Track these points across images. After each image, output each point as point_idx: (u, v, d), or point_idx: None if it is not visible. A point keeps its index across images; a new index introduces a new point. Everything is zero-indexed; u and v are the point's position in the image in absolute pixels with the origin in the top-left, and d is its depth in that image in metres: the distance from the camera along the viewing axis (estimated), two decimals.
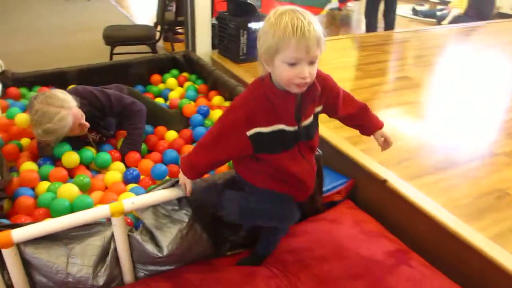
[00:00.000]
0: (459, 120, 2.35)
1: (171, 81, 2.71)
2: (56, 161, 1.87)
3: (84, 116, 1.83)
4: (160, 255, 1.39)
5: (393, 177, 1.72)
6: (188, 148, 2.03)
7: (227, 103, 2.41)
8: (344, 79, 2.83)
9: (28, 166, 1.80)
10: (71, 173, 1.83)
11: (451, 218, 1.52)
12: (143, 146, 2.06)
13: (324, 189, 1.71)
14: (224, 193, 1.38)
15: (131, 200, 1.34)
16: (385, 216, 1.70)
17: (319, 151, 1.51)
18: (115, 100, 1.98)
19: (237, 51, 3.05)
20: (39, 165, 1.84)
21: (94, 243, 1.35)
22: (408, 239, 1.57)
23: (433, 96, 2.77)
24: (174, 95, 2.56)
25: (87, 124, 1.85)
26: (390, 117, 2.35)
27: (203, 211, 1.43)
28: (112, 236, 1.36)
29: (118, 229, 1.33)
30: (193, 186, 1.38)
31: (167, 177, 1.81)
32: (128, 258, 1.39)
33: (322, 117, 1.29)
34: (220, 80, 2.50)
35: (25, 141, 2.01)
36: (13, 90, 2.39)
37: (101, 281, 1.35)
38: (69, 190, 1.63)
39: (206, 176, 1.47)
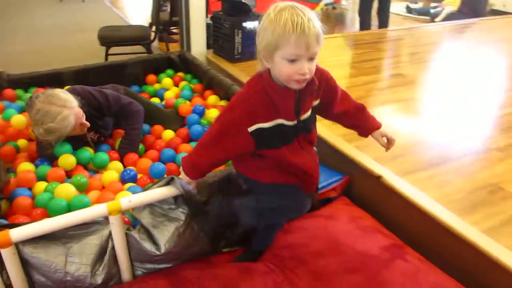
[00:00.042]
0: (453, 117, 2.37)
1: (166, 81, 2.72)
2: (53, 161, 1.88)
3: (84, 116, 1.84)
4: (157, 253, 1.40)
5: (388, 173, 1.74)
6: (185, 147, 2.05)
7: (222, 102, 2.42)
8: (339, 77, 2.79)
9: (25, 167, 1.81)
10: (68, 173, 1.83)
11: (445, 212, 1.53)
12: (141, 146, 2.07)
13: (320, 186, 1.73)
14: (234, 203, 1.38)
15: (128, 199, 1.35)
16: (380, 211, 1.72)
17: (315, 148, 1.53)
18: (113, 100, 1.98)
19: (232, 50, 3.06)
20: (36, 166, 1.85)
21: (92, 242, 1.36)
22: (403, 234, 1.59)
23: (427, 93, 2.79)
24: (170, 94, 2.57)
25: (88, 123, 1.85)
26: (384, 114, 2.37)
27: (199, 209, 1.44)
28: (110, 234, 1.37)
29: (116, 228, 1.34)
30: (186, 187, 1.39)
31: (165, 176, 1.82)
32: (126, 256, 1.40)
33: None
34: (215, 79, 2.51)
35: (21, 142, 2.02)
36: (8, 91, 2.39)
37: (99, 279, 1.36)
38: (66, 190, 1.64)
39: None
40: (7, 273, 1.27)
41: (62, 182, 1.74)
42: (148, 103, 2.33)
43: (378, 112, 2.40)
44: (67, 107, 1.75)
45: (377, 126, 1.39)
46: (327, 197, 1.78)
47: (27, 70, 2.55)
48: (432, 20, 6.26)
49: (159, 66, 2.85)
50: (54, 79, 2.48)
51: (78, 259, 1.33)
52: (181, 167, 1.36)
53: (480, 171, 1.84)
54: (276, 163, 1.25)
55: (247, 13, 3.06)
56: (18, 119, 2.06)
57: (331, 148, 1.93)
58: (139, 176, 1.85)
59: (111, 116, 2.07)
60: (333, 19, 6.77)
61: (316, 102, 1.26)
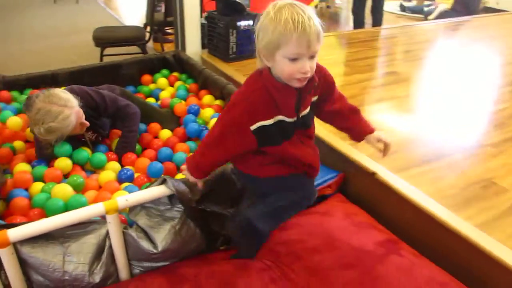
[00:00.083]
0: (447, 113, 2.39)
1: (161, 81, 2.73)
2: (50, 162, 1.88)
3: (84, 115, 1.84)
4: (155, 251, 1.41)
5: (382, 170, 1.76)
6: (182, 146, 2.06)
7: (217, 102, 2.44)
8: (333, 75, 2.79)
9: (22, 168, 1.81)
10: (65, 174, 1.84)
11: (439, 208, 1.55)
12: (137, 146, 2.08)
13: (315, 183, 1.74)
14: (248, 216, 1.37)
15: (125, 198, 1.36)
16: (375, 208, 1.74)
17: None
18: (110, 101, 1.99)
19: (226, 50, 3.07)
20: (33, 167, 1.85)
21: (90, 241, 1.37)
22: (397, 230, 1.60)
23: (421, 90, 2.80)
24: (165, 94, 2.58)
25: (87, 123, 1.86)
26: (378, 111, 2.39)
27: (193, 207, 1.45)
28: (107, 233, 1.38)
29: (113, 227, 1.35)
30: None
31: (163, 175, 1.84)
32: (123, 255, 1.41)
33: None
34: (210, 78, 2.52)
35: (18, 144, 2.02)
36: (4, 93, 2.39)
37: (97, 278, 1.36)
38: (63, 190, 1.65)
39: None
40: (5, 273, 1.28)
41: (59, 182, 1.75)
42: (144, 103, 2.34)
43: (373, 109, 2.42)
44: (68, 106, 1.75)
45: (370, 130, 1.37)
46: (322, 194, 1.79)
47: (22, 72, 2.55)
48: (426, 18, 6.29)
49: (154, 66, 2.86)
50: (49, 80, 2.49)
51: (76, 258, 1.33)
52: (185, 167, 1.37)
53: (473, 167, 1.86)
54: (277, 158, 1.26)
55: (241, 12, 3.07)
56: (14, 121, 2.06)
57: (326, 145, 1.95)
58: (136, 175, 1.86)
59: (108, 117, 2.07)
60: (328, 18, 6.79)
61: (314, 99, 1.27)
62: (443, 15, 5.96)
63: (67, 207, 1.58)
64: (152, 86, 2.74)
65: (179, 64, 2.89)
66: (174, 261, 1.48)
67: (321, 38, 1.07)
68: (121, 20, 6.15)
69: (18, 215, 1.57)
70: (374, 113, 2.38)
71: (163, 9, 4.49)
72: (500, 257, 1.34)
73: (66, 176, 1.83)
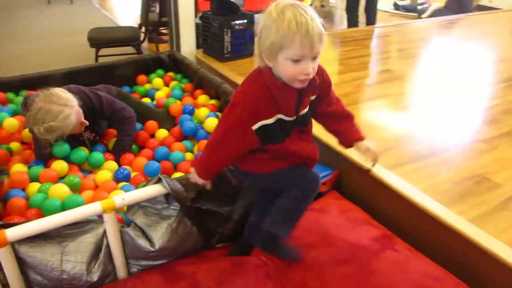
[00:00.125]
0: (440, 110, 2.41)
1: (157, 81, 2.74)
2: (47, 162, 1.89)
3: (83, 115, 1.85)
4: (152, 249, 1.42)
5: (377, 166, 1.77)
6: (178, 146, 2.08)
7: (212, 101, 2.44)
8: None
9: (18, 168, 1.82)
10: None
11: (432, 203, 1.57)
12: (134, 147, 2.09)
13: None
14: (266, 230, 1.37)
15: (121, 196, 1.37)
16: (370, 204, 1.75)
17: None
18: (107, 103, 1.99)
19: (221, 49, 3.08)
20: (30, 167, 1.86)
21: (87, 240, 1.38)
22: (392, 225, 1.62)
23: (415, 87, 2.83)
24: (161, 94, 2.58)
25: (86, 122, 1.86)
26: (373, 109, 2.41)
27: (189, 205, 1.46)
28: (105, 232, 1.39)
29: (110, 226, 1.36)
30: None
31: (160, 174, 1.85)
32: (121, 253, 1.42)
33: None
34: (205, 78, 2.53)
35: (14, 145, 2.03)
36: None
37: (95, 277, 1.37)
38: (60, 190, 1.65)
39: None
40: (3, 272, 1.29)
41: (55, 182, 1.75)
42: (140, 103, 2.35)
43: (367, 107, 2.44)
44: (68, 106, 1.75)
45: (360, 137, 1.36)
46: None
47: (17, 73, 2.55)
48: (419, 17, 6.32)
49: (149, 66, 2.86)
50: (45, 81, 2.47)
51: (74, 258, 1.34)
52: (192, 169, 1.38)
53: (466, 163, 1.87)
54: (277, 154, 1.27)
55: (235, 12, 3.09)
56: (10, 122, 2.07)
57: (321, 143, 1.96)
58: (132, 175, 1.87)
59: (103, 119, 2.08)
60: (322, 17, 6.78)
61: (313, 98, 1.28)
62: (436, 13, 5.99)
63: (64, 207, 1.58)
64: (147, 86, 2.74)
65: (174, 64, 2.90)
66: (171, 259, 1.49)
67: (324, 39, 1.08)
68: (115, 20, 6.14)
69: (15, 215, 1.57)
70: (368, 111, 2.40)
71: (157, 9, 4.49)
72: (494, 251, 1.36)
73: (62, 176, 1.83)
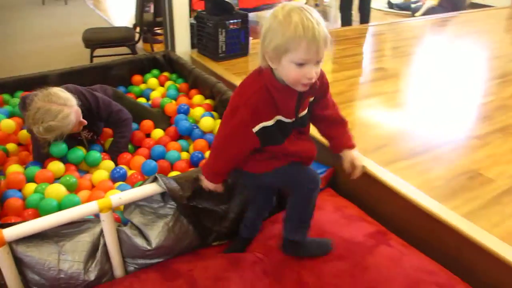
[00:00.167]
0: (434, 107, 2.43)
1: (152, 81, 2.74)
2: (44, 163, 1.89)
3: (81, 114, 1.85)
4: (149, 248, 1.43)
5: (371, 163, 1.79)
6: (174, 145, 2.09)
7: (207, 101, 2.45)
8: None
9: (15, 169, 1.82)
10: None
11: (426, 199, 1.58)
12: (130, 147, 2.10)
13: None
14: (286, 239, 1.43)
15: (118, 196, 1.38)
16: (364, 200, 1.77)
17: None
18: (103, 105, 1.99)
19: (216, 49, 3.09)
20: (26, 168, 1.86)
21: (84, 240, 1.39)
22: (386, 221, 1.63)
23: (409, 85, 2.84)
24: (156, 94, 2.59)
25: (85, 121, 1.87)
26: (367, 107, 2.42)
27: (185, 204, 1.47)
28: (101, 232, 1.40)
29: (107, 225, 1.37)
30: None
31: (157, 173, 1.85)
32: (118, 252, 1.43)
33: None
34: (200, 78, 2.54)
35: (11, 146, 2.03)
36: None
37: (92, 276, 1.38)
38: (57, 190, 1.66)
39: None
40: (1, 272, 1.29)
41: (51, 182, 1.76)
42: (135, 103, 2.35)
43: (360, 104, 2.46)
44: (67, 105, 1.76)
45: (350, 145, 1.37)
46: None
47: (11, 74, 2.55)
48: (413, 15, 6.34)
49: (144, 66, 2.87)
50: (40, 82, 2.46)
51: (71, 257, 1.35)
52: (202, 177, 1.38)
53: (460, 159, 1.89)
54: (275, 154, 1.28)
55: (230, 12, 3.10)
56: (7, 124, 2.07)
57: (315, 141, 1.96)
58: (129, 174, 1.88)
59: (100, 121, 2.08)
60: None
61: (311, 99, 1.29)
62: (430, 11, 6.02)
63: (60, 207, 1.59)
64: (142, 86, 2.75)
65: (169, 64, 2.91)
66: (168, 258, 1.50)
67: (328, 43, 1.08)
68: (110, 21, 6.13)
69: (12, 216, 1.58)
70: (362, 109, 2.41)
71: (152, 9, 4.49)
72: (487, 245, 1.37)
73: (59, 177, 1.84)
